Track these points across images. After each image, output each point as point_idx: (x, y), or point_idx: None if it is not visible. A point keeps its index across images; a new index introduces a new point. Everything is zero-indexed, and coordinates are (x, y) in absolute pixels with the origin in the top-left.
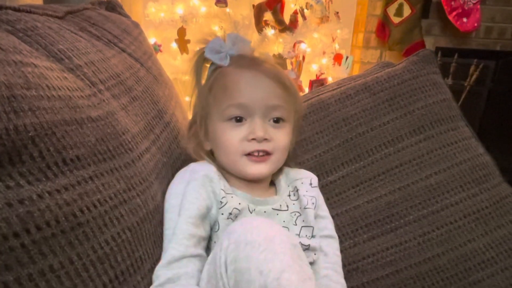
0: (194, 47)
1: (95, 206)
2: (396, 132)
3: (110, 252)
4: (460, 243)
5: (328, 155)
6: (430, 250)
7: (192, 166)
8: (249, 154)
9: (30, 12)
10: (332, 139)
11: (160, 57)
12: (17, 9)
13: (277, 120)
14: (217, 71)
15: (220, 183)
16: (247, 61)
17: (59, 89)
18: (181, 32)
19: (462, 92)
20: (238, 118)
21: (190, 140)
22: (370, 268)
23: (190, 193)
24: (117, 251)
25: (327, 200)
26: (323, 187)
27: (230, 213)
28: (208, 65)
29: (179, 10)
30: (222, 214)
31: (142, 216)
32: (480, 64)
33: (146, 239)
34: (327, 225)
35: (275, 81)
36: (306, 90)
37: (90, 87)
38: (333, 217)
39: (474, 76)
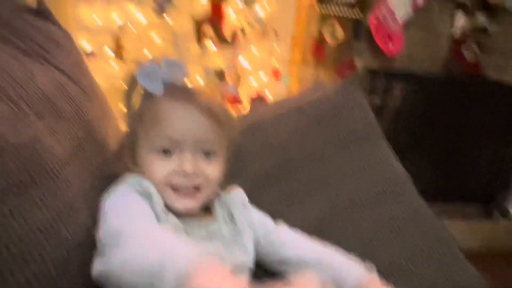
0: (130, 55)
1: (14, 244)
2: (326, 151)
3: None
4: (381, 256)
5: (260, 173)
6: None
7: (129, 178)
8: (176, 189)
9: None
10: (266, 159)
11: (94, 63)
12: None
13: (208, 154)
14: (149, 99)
15: (159, 201)
16: (179, 92)
17: None
18: (118, 40)
19: (388, 112)
20: (166, 150)
21: (118, 167)
22: None
23: (139, 203)
24: None
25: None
26: (257, 206)
27: None
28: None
29: (115, 16)
30: None
31: (71, 248)
32: (404, 86)
33: (78, 271)
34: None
35: (207, 115)
36: (246, 103)
37: (14, 110)
38: None
39: (399, 97)
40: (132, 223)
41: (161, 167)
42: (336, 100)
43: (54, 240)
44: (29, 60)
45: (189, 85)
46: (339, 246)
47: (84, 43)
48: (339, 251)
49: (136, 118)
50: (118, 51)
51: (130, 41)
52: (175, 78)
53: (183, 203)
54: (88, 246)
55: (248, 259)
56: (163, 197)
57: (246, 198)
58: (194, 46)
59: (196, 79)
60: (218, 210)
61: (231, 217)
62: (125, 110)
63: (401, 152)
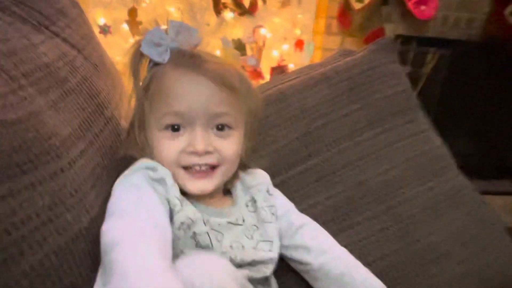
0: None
1: (8, 233)
2: (355, 125)
3: (29, 285)
4: (418, 238)
5: (286, 149)
6: (388, 246)
7: (142, 164)
8: (188, 168)
9: None
10: (291, 132)
11: (110, 39)
12: None
13: (222, 128)
14: (154, 69)
15: (173, 188)
16: (186, 59)
17: None
18: (132, 13)
19: (420, 80)
20: (175, 126)
21: (129, 146)
22: None
23: (149, 197)
24: (39, 281)
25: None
26: (281, 184)
27: (182, 223)
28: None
29: None
30: (173, 223)
31: (73, 234)
32: (437, 52)
33: (79, 261)
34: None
35: (219, 84)
36: (267, 77)
37: (8, 82)
38: None
39: (431, 64)
40: (132, 240)
41: (170, 146)
42: (366, 68)
43: (55, 227)
44: (30, 30)
45: (199, 52)
46: (369, 228)
47: (101, 19)
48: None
49: (142, 93)
50: (134, 26)
51: (146, 15)
52: (184, 44)
53: (196, 185)
54: (92, 235)
55: (273, 255)
56: (176, 180)
57: (270, 183)
58: (212, 18)
59: (214, 52)
60: (240, 195)
61: (254, 204)
62: (132, 84)
63: (434, 125)
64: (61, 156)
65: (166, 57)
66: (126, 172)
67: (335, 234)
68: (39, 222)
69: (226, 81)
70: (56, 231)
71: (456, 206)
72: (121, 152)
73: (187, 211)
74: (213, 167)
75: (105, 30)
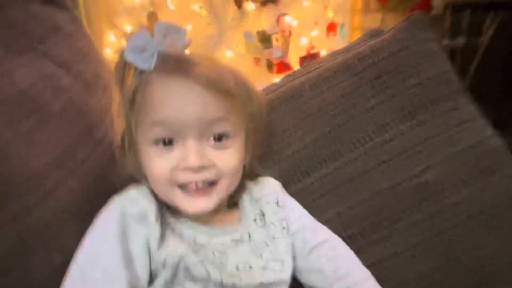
0: None
1: None
2: (382, 120)
3: None
4: (464, 252)
5: (303, 153)
6: (426, 263)
7: (119, 201)
8: (184, 186)
9: None
10: (307, 134)
11: None
12: None
13: (219, 138)
14: (141, 77)
15: (155, 229)
16: (172, 63)
17: None
18: (151, 17)
19: (477, 51)
20: (166, 140)
21: (122, 166)
22: None
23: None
24: None
25: (304, 207)
26: (298, 193)
27: (163, 263)
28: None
29: None
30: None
31: (41, 277)
32: (496, 18)
33: None
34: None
35: (212, 89)
36: (296, 68)
37: None
38: None
39: (490, 32)
40: None
41: (162, 163)
42: (395, 50)
43: (18, 272)
44: (10, 55)
45: (188, 54)
46: (404, 242)
47: (127, 27)
48: None
49: (127, 105)
50: (152, 31)
51: (170, 17)
52: (174, 44)
53: (194, 205)
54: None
55: (285, 276)
56: (171, 201)
57: (281, 193)
58: (234, 11)
59: (237, 47)
60: (248, 208)
61: (263, 218)
62: (117, 96)
63: (494, 103)
64: (33, 190)
65: (152, 63)
66: (110, 203)
67: (362, 250)
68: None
69: (219, 85)
70: (19, 277)
71: None
72: (114, 176)
73: (169, 248)
74: (212, 183)
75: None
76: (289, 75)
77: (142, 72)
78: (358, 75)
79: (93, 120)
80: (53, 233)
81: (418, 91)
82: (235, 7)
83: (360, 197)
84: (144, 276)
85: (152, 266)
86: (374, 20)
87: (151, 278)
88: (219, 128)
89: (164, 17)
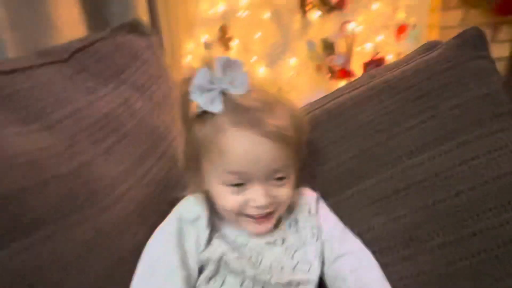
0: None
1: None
2: (421, 140)
3: None
4: (496, 278)
5: (341, 169)
6: (456, 284)
7: (179, 208)
8: (250, 217)
9: (25, 69)
10: (346, 150)
11: (213, 54)
12: (7, 72)
13: (280, 178)
14: (209, 119)
15: (205, 233)
16: (245, 116)
17: (24, 154)
18: (223, 30)
19: None
20: (236, 183)
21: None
22: None
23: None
24: None
25: (339, 218)
26: (336, 204)
27: (208, 257)
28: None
29: (221, 6)
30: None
31: (117, 259)
32: None
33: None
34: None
35: (279, 141)
36: (359, 75)
37: (66, 141)
38: None
39: None
40: None
41: (233, 201)
42: (442, 69)
43: (98, 252)
44: (99, 85)
45: (252, 99)
46: (435, 261)
47: (205, 36)
48: None
49: (197, 142)
50: (225, 42)
51: (240, 28)
52: (235, 86)
53: (259, 229)
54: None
55: (312, 276)
56: (237, 223)
57: (313, 204)
58: (299, 20)
59: (301, 55)
60: (284, 215)
61: (296, 224)
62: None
63: None
64: (108, 194)
65: (219, 106)
66: (172, 213)
67: (391, 265)
68: (82, 251)
69: (285, 137)
70: (100, 256)
71: None
72: (172, 186)
73: (213, 246)
74: (271, 213)
75: (207, 46)
76: (335, 91)
77: (210, 113)
78: (400, 94)
79: (159, 136)
80: (125, 227)
81: (459, 111)
82: (300, 16)
83: (393, 214)
84: (195, 270)
85: (199, 262)
86: (454, 19)
87: (199, 271)
88: (281, 173)
89: (234, 26)
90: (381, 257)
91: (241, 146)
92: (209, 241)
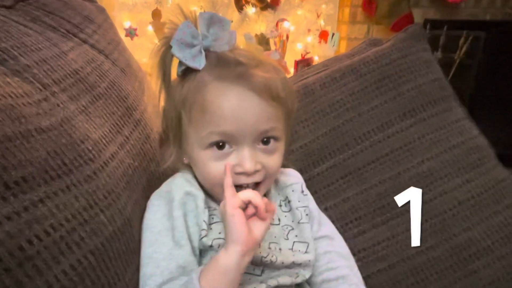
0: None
1: (47, 233)
2: (386, 117)
3: (69, 283)
4: (454, 233)
5: (314, 145)
6: (424, 241)
7: (169, 187)
8: (235, 187)
9: None
10: (318, 128)
11: (136, 41)
12: None
13: (267, 141)
14: (191, 77)
15: (204, 213)
16: (231, 70)
17: None
18: (156, 14)
19: (452, 65)
20: (220, 144)
21: (164, 157)
22: (361, 264)
23: (182, 223)
24: (78, 281)
25: (314, 193)
26: (310, 180)
27: (211, 246)
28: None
29: None
30: (202, 246)
31: (108, 235)
32: (470, 36)
33: (114, 260)
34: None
35: (267, 98)
36: (292, 70)
37: (41, 90)
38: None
39: (464, 48)
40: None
41: (217, 167)
42: (396, 57)
43: (91, 226)
44: (60, 39)
45: (239, 54)
46: (404, 223)
47: (127, 23)
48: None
49: (179, 104)
50: (159, 27)
51: (169, 14)
52: (219, 36)
53: None
54: (125, 235)
55: (311, 257)
56: (222, 196)
57: (304, 183)
58: (235, 14)
59: None
60: (274, 195)
61: (288, 204)
62: (162, 88)
63: (470, 113)
64: (93, 159)
65: (202, 62)
66: (163, 187)
67: (367, 231)
68: (76, 223)
69: (274, 94)
70: (93, 231)
71: (496, 199)
72: (162, 166)
73: (214, 233)
74: (258, 183)
75: (131, 32)
76: (298, 74)
77: (193, 70)
78: (364, 77)
79: (131, 103)
80: (113, 198)
81: (415, 93)
82: (236, 10)
83: (364, 185)
84: (196, 254)
85: (201, 247)
86: (359, 32)
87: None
88: (270, 134)
89: (165, 16)
90: (358, 224)
91: (226, 101)
92: (210, 227)
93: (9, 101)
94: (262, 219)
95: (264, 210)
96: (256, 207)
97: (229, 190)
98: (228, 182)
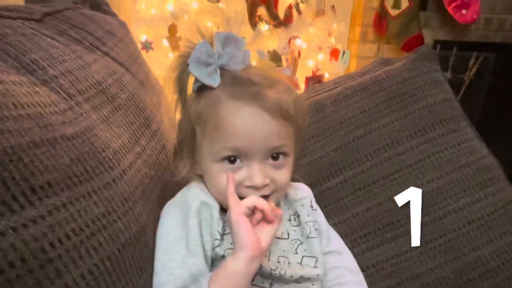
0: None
1: (68, 238)
2: (396, 135)
3: (86, 287)
4: (463, 252)
5: (324, 160)
6: (433, 260)
7: (184, 197)
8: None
9: (1, 17)
10: (329, 143)
11: (151, 54)
12: None
13: (277, 157)
14: (207, 94)
15: (219, 223)
16: (245, 90)
17: (28, 106)
18: (172, 29)
19: (462, 86)
20: (231, 158)
21: (178, 168)
22: (370, 280)
23: (197, 232)
24: (94, 285)
25: (323, 208)
26: (319, 195)
27: (223, 256)
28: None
29: (170, 6)
30: (215, 255)
31: (124, 241)
32: (480, 57)
33: (129, 266)
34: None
35: (278, 117)
36: (302, 87)
37: (67, 100)
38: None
39: (474, 69)
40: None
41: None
42: (407, 77)
43: (108, 232)
44: (84, 51)
45: (253, 74)
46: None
47: (143, 36)
48: None
49: (194, 118)
50: (174, 41)
51: (184, 30)
52: (233, 55)
53: None
54: (140, 242)
55: (319, 271)
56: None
57: (313, 198)
58: (248, 30)
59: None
60: (283, 208)
61: (297, 218)
62: (178, 102)
63: (479, 133)
64: (113, 167)
65: (217, 80)
66: (178, 196)
67: (376, 247)
68: (95, 228)
69: (285, 114)
70: (110, 237)
71: (505, 219)
72: (176, 176)
73: (227, 243)
74: (266, 196)
75: (147, 46)
76: (310, 91)
77: (209, 87)
78: (375, 95)
79: (148, 115)
80: (130, 206)
81: (425, 113)
82: (250, 27)
83: (373, 202)
84: (209, 264)
85: (213, 256)
86: (370, 51)
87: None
88: (279, 150)
89: (181, 30)
90: (367, 240)
91: (239, 119)
92: (222, 237)
93: (38, 109)
94: (270, 221)
95: (270, 212)
96: (262, 211)
97: (232, 198)
98: (231, 190)
